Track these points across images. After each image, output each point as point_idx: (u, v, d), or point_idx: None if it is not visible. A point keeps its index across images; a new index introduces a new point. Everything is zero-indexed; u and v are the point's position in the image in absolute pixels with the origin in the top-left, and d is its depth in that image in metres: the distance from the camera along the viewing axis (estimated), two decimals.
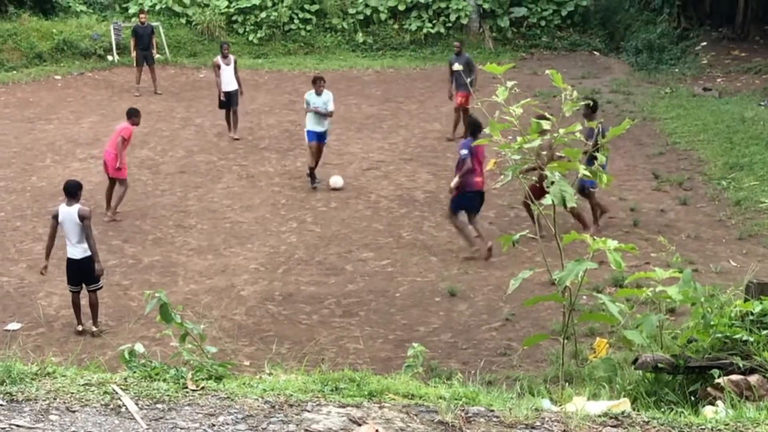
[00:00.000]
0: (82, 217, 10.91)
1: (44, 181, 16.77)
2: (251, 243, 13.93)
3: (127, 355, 5.14)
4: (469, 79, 15.39)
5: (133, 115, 15.40)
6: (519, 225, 13.87)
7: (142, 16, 25.69)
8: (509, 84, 5.79)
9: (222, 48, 20.89)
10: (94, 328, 11.13)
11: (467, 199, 13.27)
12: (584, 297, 9.32)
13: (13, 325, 11.19)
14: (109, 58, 29.08)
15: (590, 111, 13.27)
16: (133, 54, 24.87)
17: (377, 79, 27.05)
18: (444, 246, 13.69)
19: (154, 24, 29.92)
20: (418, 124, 21.06)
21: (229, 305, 11.67)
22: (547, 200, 5.51)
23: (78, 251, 11.02)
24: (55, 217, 11.01)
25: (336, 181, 16.64)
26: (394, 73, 28.14)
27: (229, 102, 19.83)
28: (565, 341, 6.01)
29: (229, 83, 19.78)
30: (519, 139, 5.72)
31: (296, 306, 11.67)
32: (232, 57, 20.39)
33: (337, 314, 11.46)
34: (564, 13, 32.06)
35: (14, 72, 27.49)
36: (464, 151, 13.04)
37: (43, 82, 26.10)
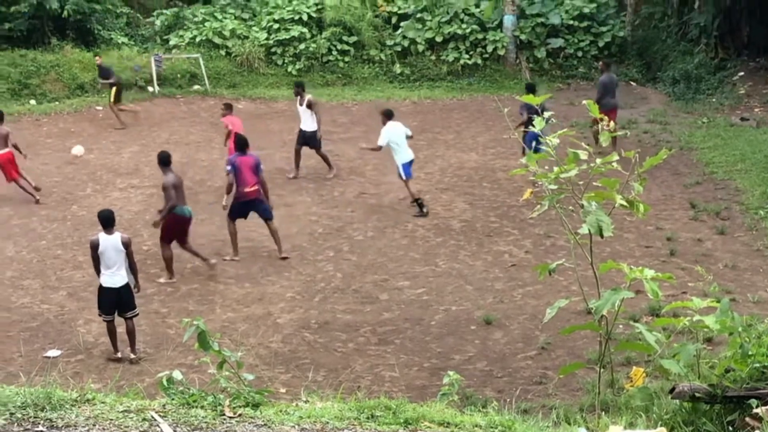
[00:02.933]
0: (126, 244, 11.14)
1: (85, 210, 17.00)
2: (288, 272, 14.01)
3: (165, 382, 5.18)
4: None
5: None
6: (555, 254, 13.86)
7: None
8: (546, 114, 5.82)
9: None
10: (132, 355, 11.25)
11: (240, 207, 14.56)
12: (621, 326, 9.28)
13: (53, 352, 11.32)
14: (150, 89, 29.47)
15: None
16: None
17: (414, 109, 27.16)
18: (480, 275, 13.69)
19: (194, 55, 30.38)
20: (455, 154, 21.11)
21: (265, 333, 11.74)
22: (583, 229, 5.52)
23: (118, 279, 11.18)
24: (96, 247, 11.14)
25: (78, 150, 20.16)
26: (431, 103, 28.25)
27: (304, 141, 19.39)
28: (602, 370, 5.98)
29: (303, 123, 19.38)
30: (555, 169, 5.74)
31: (332, 334, 11.71)
32: (305, 97, 19.52)
33: (372, 342, 11.49)
34: (601, 43, 32.04)
35: (56, 103, 27.96)
36: (228, 167, 14.47)
37: (85, 113, 26.50)
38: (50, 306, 12.79)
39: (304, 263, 14.37)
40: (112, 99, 24.90)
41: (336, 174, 19.26)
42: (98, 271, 11.28)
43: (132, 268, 11.38)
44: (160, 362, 10.78)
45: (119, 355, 11.21)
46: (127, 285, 11.28)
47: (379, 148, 17.02)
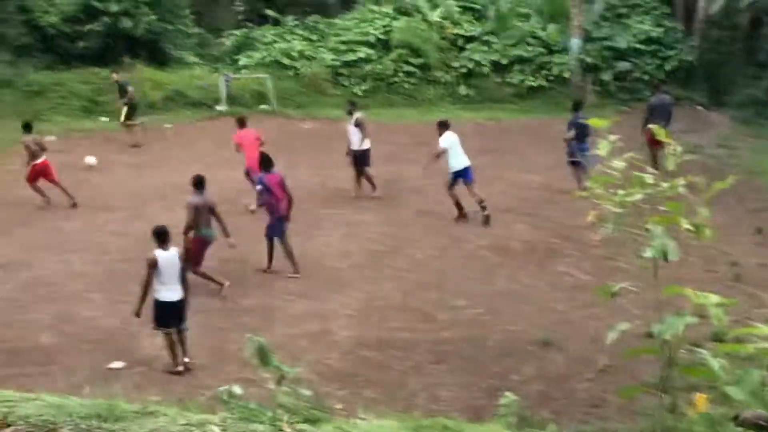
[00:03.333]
0: (182, 258, 11.39)
1: (150, 225, 17.19)
2: (348, 289, 14.07)
3: (225, 397, 5.23)
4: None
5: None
6: (617, 276, 13.64)
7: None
8: (612, 138, 5.79)
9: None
10: (187, 359, 11.47)
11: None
12: (683, 351, 9.12)
13: (116, 364, 11.48)
14: (218, 108, 29.90)
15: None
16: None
17: (478, 131, 27.11)
18: (539, 296, 13.60)
19: (262, 76, 30.75)
20: (517, 175, 21.04)
21: (323, 349, 11.78)
22: (647, 253, 5.47)
23: (176, 294, 11.38)
24: (154, 264, 11.26)
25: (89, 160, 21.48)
26: (495, 125, 28.21)
27: (356, 161, 19.63)
28: (663, 395, 5.90)
29: (353, 143, 19.59)
30: (621, 192, 5.70)
31: (389, 352, 11.71)
32: (356, 115, 19.80)
33: (429, 361, 11.46)
34: (668, 67, 31.76)
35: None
36: (259, 186, 14.90)
37: (154, 130, 26.94)
38: (115, 319, 12.98)
39: (364, 281, 14.41)
40: (122, 117, 25.44)
41: (380, 195, 19.49)
42: (147, 288, 11.36)
43: (184, 282, 11.52)
44: (221, 376, 10.88)
45: (180, 368, 11.33)
46: (183, 300, 11.45)
47: (442, 150, 17.59)
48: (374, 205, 18.73)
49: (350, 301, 13.60)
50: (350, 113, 19.89)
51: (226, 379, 10.28)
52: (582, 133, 18.40)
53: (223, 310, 13.29)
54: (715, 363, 5.25)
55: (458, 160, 17.59)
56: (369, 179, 19.72)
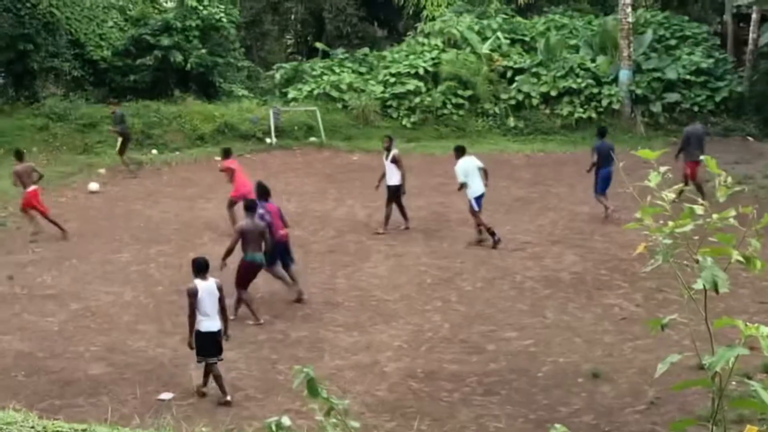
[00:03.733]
0: (220, 289, 11.50)
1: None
2: (396, 321, 14.06)
3: (273, 428, 5.23)
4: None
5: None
6: (666, 308, 13.56)
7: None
8: (662, 169, 5.76)
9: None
10: (204, 389, 11.58)
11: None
12: (734, 383, 8.97)
13: (166, 395, 11.56)
14: (268, 140, 30.19)
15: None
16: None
17: (527, 162, 27.10)
18: (589, 327, 13.48)
19: (311, 108, 31.03)
20: (567, 207, 20.95)
21: (372, 381, 11.77)
22: (698, 284, 5.42)
23: (216, 324, 11.48)
24: (195, 294, 11.36)
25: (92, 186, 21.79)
26: (544, 156, 28.15)
27: (390, 196, 19.19)
28: (714, 427, 5.81)
29: (388, 178, 19.11)
30: (670, 223, 5.66)
31: (438, 383, 11.67)
32: (392, 151, 19.18)
33: (478, 392, 11.39)
34: (718, 98, 31.50)
35: (177, 152, 28.86)
36: (260, 211, 14.81)
37: (204, 163, 27.25)
38: (164, 350, 13.09)
39: (412, 313, 14.40)
40: (117, 149, 26.06)
41: (408, 227, 19.33)
42: (193, 319, 11.44)
43: (223, 313, 11.61)
44: (269, 407, 10.92)
45: (228, 398, 11.36)
46: (220, 331, 11.55)
47: (462, 184, 17.91)
48: (423, 237, 18.74)
49: (399, 332, 13.59)
50: (388, 149, 19.31)
51: (274, 411, 10.35)
52: (606, 159, 18.90)
53: (272, 342, 13.35)
54: (766, 395, 5.17)
55: (477, 185, 17.87)
56: (402, 211, 19.53)
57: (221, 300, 11.54)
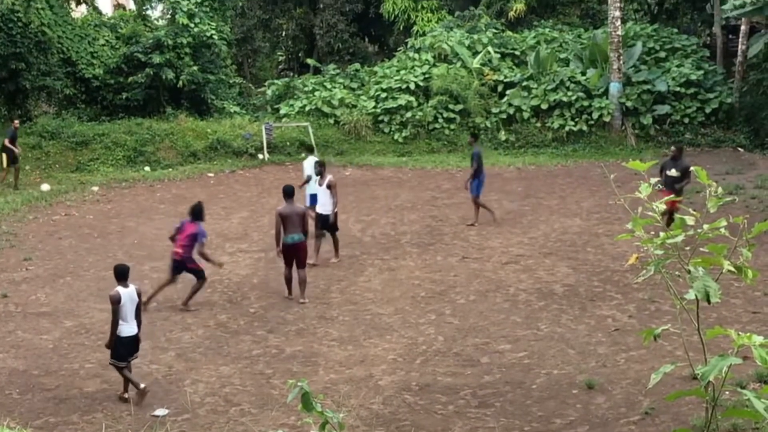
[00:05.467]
0: (140, 294, 11.92)
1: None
2: (390, 334, 14.08)
3: None
4: (679, 186, 17.36)
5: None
6: (659, 319, 13.63)
7: (15, 122, 27.35)
8: (652, 180, 5.82)
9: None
10: (126, 395, 11.83)
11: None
12: (727, 392, 9.04)
13: (161, 411, 11.55)
14: (260, 156, 30.28)
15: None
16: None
17: (518, 175, 27.20)
18: (582, 339, 13.52)
19: (303, 124, 31.14)
20: (559, 219, 21.03)
21: (367, 395, 11.78)
22: (690, 295, 5.46)
23: (133, 329, 11.84)
24: (118, 301, 11.65)
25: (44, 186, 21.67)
26: (536, 169, 28.26)
27: (323, 224, 18.00)
28: None
29: (321, 205, 17.97)
30: (662, 234, 5.71)
31: (432, 396, 11.69)
32: (326, 177, 18.10)
33: (472, 405, 11.41)
34: (708, 110, 31.72)
35: (170, 169, 28.92)
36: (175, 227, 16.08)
37: (197, 179, 27.31)
38: (159, 366, 13.09)
39: (406, 326, 14.43)
40: (4, 164, 26.39)
41: (341, 260, 18.25)
42: (116, 325, 11.72)
43: (138, 317, 11.94)
44: (264, 422, 10.93)
45: (126, 395, 11.76)
46: (137, 334, 11.94)
47: (307, 179, 19.72)
48: (416, 251, 18.79)
49: (393, 345, 13.61)
50: (320, 174, 18.20)
51: (269, 425, 10.37)
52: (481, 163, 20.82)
53: (267, 356, 13.36)
54: (760, 404, 5.21)
55: (312, 187, 19.27)
56: (335, 244, 18.31)
57: (139, 305, 11.90)
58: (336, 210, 18.06)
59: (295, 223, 15.61)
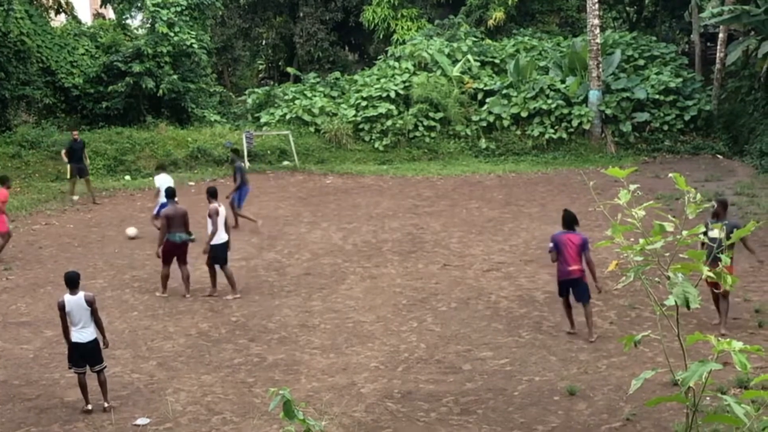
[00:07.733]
0: (90, 302, 11.77)
1: (176, 282, 17.34)
2: (372, 342, 14.10)
3: None
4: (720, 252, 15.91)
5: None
6: (640, 325, 13.72)
7: (74, 133, 26.97)
8: (632, 187, 5.86)
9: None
10: (106, 404, 11.77)
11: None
12: (708, 398, 9.11)
13: (142, 420, 11.52)
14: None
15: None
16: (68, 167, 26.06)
17: (499, 183, 27.30)
18: (564, 346, 13.58)
19: (284, 132, 31.16)
20: (539, 227, 21.11)
21: (349, 402, 11.79)
22: (669, 301, 5.51)
23: (85, 335, 11.75)
24: (62, 308, 11.65)
25: (130, 231, 21.67)
26: (516, 177, 28.37)
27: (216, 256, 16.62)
28: None
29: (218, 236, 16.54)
30: (641, 240, 5.76)
31: (415, 404, 11.71)
32: (210, 204, 16.74)
33: (455, 412, 11.44)
34: (687, 117, 31.95)
35: (150, 178, 28.79)
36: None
37: (178, 188, 27.17)
38: (140, 375, 13.06)
39: (388, 334, 14.45)
40: (68, 175, 26.29)
41: (218, 294, 16.72)
42: (67, 332, 11.74)
43: (98, 324, 11.88)
44: (246, 431, 10.92)
45: (89, 407, 11.69)
46: (95, 340, 11.83)
47: (158, 190, 20.64)
48: (397, 259, 18.82)
49: (375, 353, 13.62)
50: (209, 201, 16.78)
51: None
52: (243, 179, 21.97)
53: (248, 365, 13.35)
54: (740, 409, 5.26)
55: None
56: (213, 277, 16.86)
57: (94, 312, 11.80)
58: (226, 241, 16.60)
59: (179, 223, 16.73)
